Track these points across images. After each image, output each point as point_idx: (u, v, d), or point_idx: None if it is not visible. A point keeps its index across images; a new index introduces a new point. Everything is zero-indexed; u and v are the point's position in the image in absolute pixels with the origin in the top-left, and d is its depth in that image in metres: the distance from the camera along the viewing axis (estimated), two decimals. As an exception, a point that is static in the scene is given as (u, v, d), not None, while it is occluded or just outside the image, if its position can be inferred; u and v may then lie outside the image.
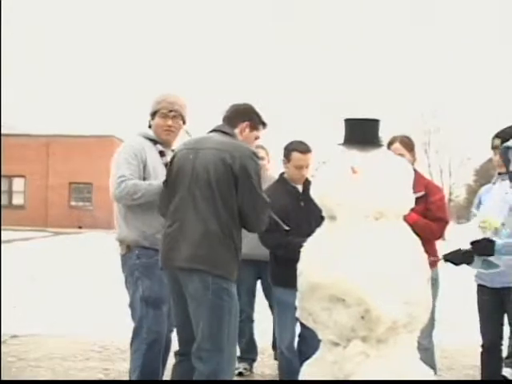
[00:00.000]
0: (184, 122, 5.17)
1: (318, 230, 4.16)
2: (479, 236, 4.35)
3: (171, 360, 4.70)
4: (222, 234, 4.26)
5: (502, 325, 5.28)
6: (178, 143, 5.06)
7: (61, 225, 37.12)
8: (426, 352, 4.24)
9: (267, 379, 6.46)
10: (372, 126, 4.17)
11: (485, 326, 5.19)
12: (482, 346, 5.32)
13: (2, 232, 13.33)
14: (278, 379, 5.91)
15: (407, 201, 4.11)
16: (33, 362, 6.68)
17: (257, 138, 4.66)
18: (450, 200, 48.30)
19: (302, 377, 4.17)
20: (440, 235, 5.38)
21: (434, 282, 4.23)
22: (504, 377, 6.44)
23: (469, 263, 4.25)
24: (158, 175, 4.86)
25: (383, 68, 69.59)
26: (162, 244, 4.46)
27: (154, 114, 5.06)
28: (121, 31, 78.78)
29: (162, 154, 5.00)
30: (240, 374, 6.53)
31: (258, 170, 4.37)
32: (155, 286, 4.81)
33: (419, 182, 5.53)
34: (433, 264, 4.45)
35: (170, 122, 5.03)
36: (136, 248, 4.86)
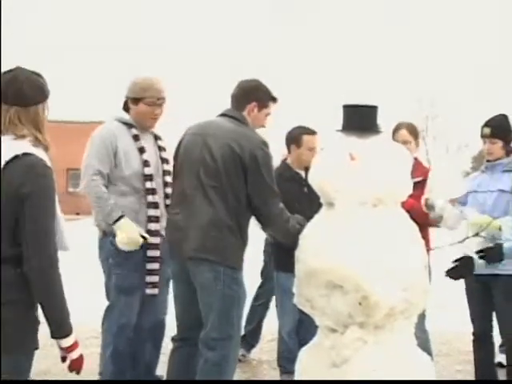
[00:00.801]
0: None
1: (316, 217, 4.16)
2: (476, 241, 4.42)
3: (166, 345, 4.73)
4: (230, 222, 4.26)
5: (491, 312, 5.28)
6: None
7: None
8: (419, 340, 4.25)
9: (263, 365, 6.47)
10: (370, 112, 4.17)
11: (474, 313, 5.19)
12: (473, 333, 5.34)
13: None
14: (274, 365, 5.94)
15: (405, 187, 4.11)
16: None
17: (267, 114, 4.55)
18: (447, 187, 48.15)
19: (299, 362, 4.19)
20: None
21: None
22: (500, 363, 6.48)
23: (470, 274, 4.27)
24: (131, 159, 4.81)
25: (381, 55, 69.37)
26: (168, 231, 4.46)
27: (137, 100, 4.91)
28: (117, 20, 78.40)
29: (136, 138, 4.89)
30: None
31: (269, 160, 4.34)
32: (127, 275, 4.79)
33: (418, 168, 5.55)
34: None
35: (158, 111, 4.95)
36: (110, 235, 4.82)
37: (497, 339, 6.36)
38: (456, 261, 4.33)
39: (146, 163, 4.81)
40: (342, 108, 4.20)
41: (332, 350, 3.96)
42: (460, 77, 65.56)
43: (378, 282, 3.81)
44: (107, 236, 4.86)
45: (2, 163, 3.00)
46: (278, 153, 6.22)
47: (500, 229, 4.62)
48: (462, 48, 70.56)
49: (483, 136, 5.27)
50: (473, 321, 5.32)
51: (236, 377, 6.05)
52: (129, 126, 4.92)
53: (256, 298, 6.70)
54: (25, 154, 3.03)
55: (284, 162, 5.83)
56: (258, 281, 6.78)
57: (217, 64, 76.16)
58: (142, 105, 4.90)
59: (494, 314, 5.30)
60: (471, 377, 5.32)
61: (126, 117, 4.96)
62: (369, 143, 4.07)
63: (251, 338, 6.69)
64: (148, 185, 4.80)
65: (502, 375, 5.51)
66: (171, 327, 4.81)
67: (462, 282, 5.08)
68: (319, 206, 4.23)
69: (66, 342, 3.12)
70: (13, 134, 3.08)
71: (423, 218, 5.09)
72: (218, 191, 4.25)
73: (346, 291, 3.84)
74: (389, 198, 3.99)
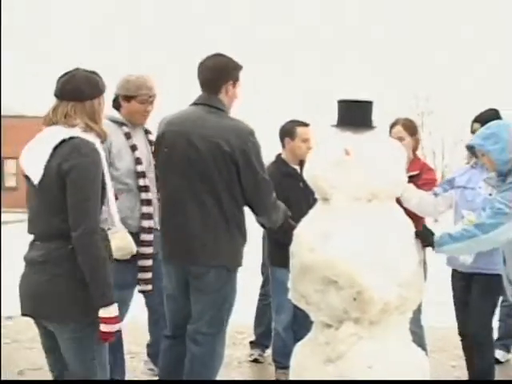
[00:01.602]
0: None
1: (311, 212, 4.16)
2: None
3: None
4: (226, 225, 4.25)
5: None
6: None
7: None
8: (415, 335, 4.24)
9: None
10: (365, 107, 4.16)
11: (460, 312, 5.18)
12: (459, 333, 5.33)
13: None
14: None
15: (400, 183, 4.11)
16: (27, 344, 6.68)
17: (240, 85, 4.47)
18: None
19: (294, 357, 4.19)
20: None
21: (423, 265, 4.22)
22: (496, 359, 6.49)
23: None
24: (123, 157, 4.77)
25: (377, 50, 69.35)
26: (163, 237, 4.43)
27: (130, 98, 4.88)
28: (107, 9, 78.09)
29: (127, 136, 4.85)
30: (255, 360, 6.54)
31: (258, 149, 4.28)
32: (120, 271, 4.58)
33: (415, 163, 5.55)
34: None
35: (149, 108, 4.92)
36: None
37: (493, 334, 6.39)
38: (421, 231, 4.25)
39: (138, 161, 4.79)
40: (336, 103, 4.19)
41: (327, 346, 3.97)
42: (456, 73, 65.52)
43: (373, 277, 3.81)
44: None
45: (52, 148, 3.35)
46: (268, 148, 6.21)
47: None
48: (457, 44, 70.52)
49: (473, 132, 5.24)
50: (459, 320, 5.29)
51: (246, 376, 6.09)
52: (120, 124, 4.88)
53: (261, 299, 6.64)
54: (71, 138, 3.38)
55: (279, 156, 5.83)
56: (257, 275, 6.77)
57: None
58: (135, 102, 4.87)
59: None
60: (467, 372, 5.31)
61: (117, 115, 4.93)
62: (364, 139, 4.07)
63: (263, 339, 6.62)
64: (141, 182, 4.78)
65: (497, 371, 5.52)
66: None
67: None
68: (315, 201, 4.22)
69: (103, 312, 3.31)
70: (65, 124, 3.43)
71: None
72: (211, 195, 4.21)
73: (341, 287, 3.84)
74: (383, 193, 3.99)
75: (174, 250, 4.34)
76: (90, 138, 3.44)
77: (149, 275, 4.81)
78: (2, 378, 4.40)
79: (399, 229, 4.03)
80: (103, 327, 3.32)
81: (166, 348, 4.55)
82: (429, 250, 4.25)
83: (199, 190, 4.22)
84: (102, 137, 3.55)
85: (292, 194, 5.38)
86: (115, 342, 4.59)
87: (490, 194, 4.42)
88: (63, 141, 3.37)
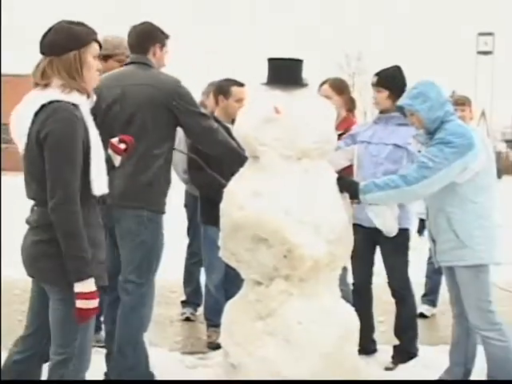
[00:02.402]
0: None
1: (241, 170, 4.15)
2: None
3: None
4: (157, 170, 4.33)
5: (372, 265, 5.42)
6: None
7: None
8: (342, 292, 4.32)
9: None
10: (295, 66, 4.15)
11: (357, 265, 5.26)
12: (353, 284, 5.46)
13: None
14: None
15: (329, 141, 4.12)
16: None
17: (167, 52, 4.64)
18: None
19: (225, 315, 4.21)
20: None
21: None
22: (422, 313, 6.66)
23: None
24: None
25: (309, 9, 69.20)
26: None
27: (107, 57, 5.01)
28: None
29: None
30: (187, 319, 6.57)
31: (189, 93, 4.45)
32: None
33: (346, 121, 5.60)
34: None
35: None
36: None
37: (419, 289, 6.55)
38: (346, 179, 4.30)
39: None
40: (266, 61, 4.17)
41: (258, 303, 3.99)
42: (387, 32, 65.98)
43: (303, 234, 3.84)
44: None
45: (33, 114, 3.25)
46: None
47: None
48: (390, 3, 70.92)
49: (371, 84, 5.32)
50: (354, 272, 5.41)
51: (177, 335, 6.10)
52: None
53: (189, 258, 6.67)
54: (51, 102, 3.24)
55: (211, 114, 5.80)
56: (183, 236, 6.78)
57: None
58: (112, 61, 5.03)
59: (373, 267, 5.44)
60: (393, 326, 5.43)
61: None
62: (294, 97, 4.06)
63: (194, 298, 6.66)
64: None
65: (421, 325, 5.65)
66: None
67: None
68: (246, 159, 4.22)
69: (77, 287, 3.20)
70: (41, 83, 3.31)
71: (348, 171, 5.14)
72: (144, 143, 4.27)
73: (271, 244, 3.85)
74: (313, 151, 3.99)
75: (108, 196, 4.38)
76: (73, 98, 3.28)
77: None
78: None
79: (329, 187, 4.05)
80: (78, 303, 3.20)
81: (106, 302, 4.58)
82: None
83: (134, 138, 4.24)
84: (85, 93, 3.35)
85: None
86: None
87: (419, 151, 4.49)
88: (43, 106, 3.24)
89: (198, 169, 5.28)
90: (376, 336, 5.54)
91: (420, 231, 6.81)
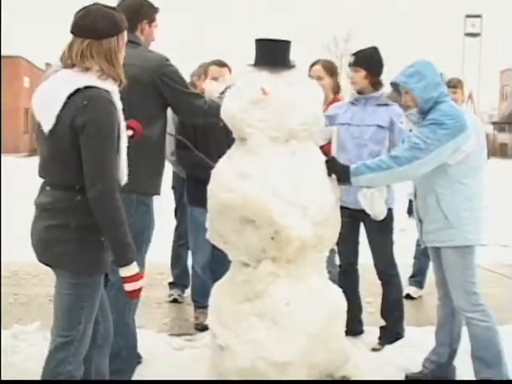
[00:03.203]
0: None
1: (228, 152, 4.14)
2: None
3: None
4: (146, 151, 4.24)
5: (357, 245, 5.45)
6: None
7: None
8: (329, 274, 4.33)
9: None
10: (283, 47, 4.12)
11: (343, 246, 5.27)
12: (340, 266, 5.49)
13: None
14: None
15: (317, 122, 4.12)
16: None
17: (156, 27, 4.56)
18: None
19: (212, 296, 4.22)
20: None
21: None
22: (409, 295, 6.70)
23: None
24: None
25: (309, 9, 69.14)
26: None
27: None
28: None
29: None
30: (175, 300, 6.58)
31: (177, 71, 4.37)
32: None
33: (333, 104, 5.58)
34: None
35: None
36: None
37: (407, 271, 6.58)
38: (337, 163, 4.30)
39: None
40: (254, 42, 4.15)
41: (245, 284, 4.00)
42: (375, 14, 65.86)
43: (291, 216, 3.84)
44: None
45: (65, 96, 3.18)
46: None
47: None
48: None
49: (348, 65, 5.35)
50: (341, 254, 5.45)
51: (165, 317, 6.10)
52: None
53: (176, 240, 6.68)
54: (87, 87, 3.20)
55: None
56: (171, 218, 6.78)
57: None
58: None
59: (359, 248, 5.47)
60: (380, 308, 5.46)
61: None
62: (281, 78, 4.04)
63: (181, 279, 6.68)
64: None
65: (408, 306, 5.68)
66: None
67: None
68: (233, 140, 4.21)
69: (122, 272, 3.29)
70: (80, 67, 3.25)
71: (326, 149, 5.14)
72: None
73: (259, 226, 3.85)
74: (301, 132, 3.99)
75: None
76: (107, 85, 3.27)
77: None
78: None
79: (316, 168, 4.05)
80: (126, 287, 3.29)
81: None
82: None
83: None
84: (119, 81, 3.36)
85: (211, 132, 5.35)
86: None
87: (411, 130, 4.49)
88: (78, 90, 3.19)
89: (185, 148, 5.26)
90: (364, 317, 5.57)
91: (410, 212, 6.82)
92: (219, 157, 4.19)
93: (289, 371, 3.85)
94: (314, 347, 3.91)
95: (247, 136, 3.97)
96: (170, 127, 5.87)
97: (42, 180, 3.44)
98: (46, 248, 3.34)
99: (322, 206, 3.96)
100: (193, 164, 5.30)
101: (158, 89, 4.29)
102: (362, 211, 4.80)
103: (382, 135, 5.12)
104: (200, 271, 5.70)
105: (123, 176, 3.40)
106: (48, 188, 3.35)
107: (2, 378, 4.27)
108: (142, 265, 4.46)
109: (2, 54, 37.50)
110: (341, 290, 4.27)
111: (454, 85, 6.35)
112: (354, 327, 5.21)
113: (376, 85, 5.28)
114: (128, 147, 4.23)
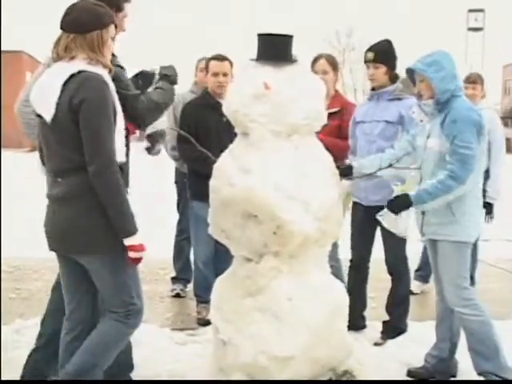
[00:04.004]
0: None
1: (231, 146, 4.13)
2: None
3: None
4: None
5: (372, 242, 5.42)
6: None
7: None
8: (333, 268, 4.32)
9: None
10: (285, 41, 4.12)
11: (356, 242, 5.29)
12: (351, 261, 5.47)
13: None
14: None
15: (319, 117, 4.10)
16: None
17: (125, 17, 4.29)
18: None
19: (214, 291, 4.21)
20: (348, 153, 5.40)
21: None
22: (410, 290, 6.67)
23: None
24: None
25: (309, 9, 69.04)
26: None
27: None
28: None
29: None
30: (177, 295, 6.58)
31: (122, 74, 4.02)
32: None
33: (336, 99, 5.56)
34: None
35: None
36: None
37: (412, 266, 6.55)
38: (396, 197, 4.29)
39: None
40: (257, 37, 4.14)
41: (247, 279, 3.99)
42: (377, 8, 65.78)
43: (293, 211, 3.83)
44: None
45: (61, 84, 3.37)
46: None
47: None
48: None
49: (367, 61, 5.22)
50: (353, 249, 5.43)
51: (167, 311, 6.11)
52: None
53: (179, 234, 6.68)
54: (80, 72, 3.39)
55: (205, 90, 5.80)
56: (173, 213, 6.78)
57: None
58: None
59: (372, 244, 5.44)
60: (383, 303, 5.46)
61: None
62: (283, 73, 4.03)
63: (184, 274, 6.69)
64: None
65: (411, 301, 5.67)
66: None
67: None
68: (236, 135, 4.20)
69: (127, 241, 3.42)
70: (66, 57, 3.45)
71: (334, 150, 5.11)
72: None
73: (261, 221, 3.85)
74: (303, 127, 3.98)
75: None
76: (98, 70, 3.45)
77: None
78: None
79: (318, 163, 4.04)
80: (131, 254, 3.46)
81: None
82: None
83: None
84: (107, 68, 3.53)
85: (213, 126, 5.35)
86: None
87: (421, 121, 4.44)
88: (72, 75, 3.38)
89: (186, 142, 5.24)
90: (366, 312, 5.57)
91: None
92: (221, 151, 4.18)
93: (291, 366, 3.85)
94: (315, 342, 3.91)
95: (249, 130, 3.96)
96: (171, 121, 5.87)
97: (47, 175, 3.57)
98: (70, 238, 3.45)
99: (324, 201, 3.96)
100: (194, 158, 5.27)
101: None
102: (377, 207, 4.74)
103: (392, 131, 5.09)
104: (202, 266, 5.70)
105: (121, 155, 3.49)
106: (59, 179, 3.46)
107: (3, 373, 4.28)
108: None
109: (4, 48, 37.48)
110: (343, 284, 4.27)
111: (474, 80, 6.27)
112: (356, 322, 5.21)
113: (393, 78, 5.24)
114: None
